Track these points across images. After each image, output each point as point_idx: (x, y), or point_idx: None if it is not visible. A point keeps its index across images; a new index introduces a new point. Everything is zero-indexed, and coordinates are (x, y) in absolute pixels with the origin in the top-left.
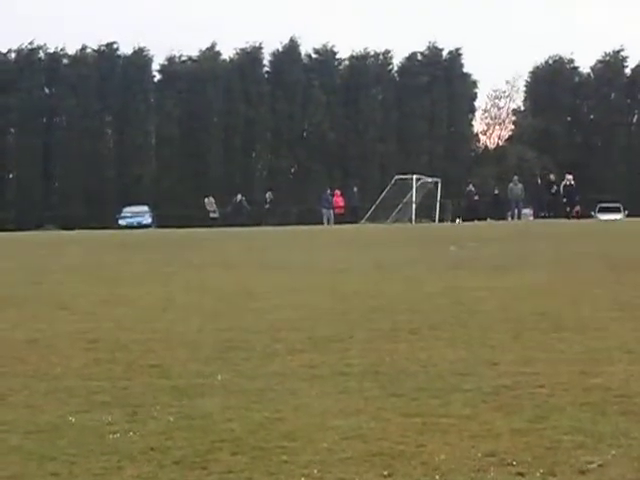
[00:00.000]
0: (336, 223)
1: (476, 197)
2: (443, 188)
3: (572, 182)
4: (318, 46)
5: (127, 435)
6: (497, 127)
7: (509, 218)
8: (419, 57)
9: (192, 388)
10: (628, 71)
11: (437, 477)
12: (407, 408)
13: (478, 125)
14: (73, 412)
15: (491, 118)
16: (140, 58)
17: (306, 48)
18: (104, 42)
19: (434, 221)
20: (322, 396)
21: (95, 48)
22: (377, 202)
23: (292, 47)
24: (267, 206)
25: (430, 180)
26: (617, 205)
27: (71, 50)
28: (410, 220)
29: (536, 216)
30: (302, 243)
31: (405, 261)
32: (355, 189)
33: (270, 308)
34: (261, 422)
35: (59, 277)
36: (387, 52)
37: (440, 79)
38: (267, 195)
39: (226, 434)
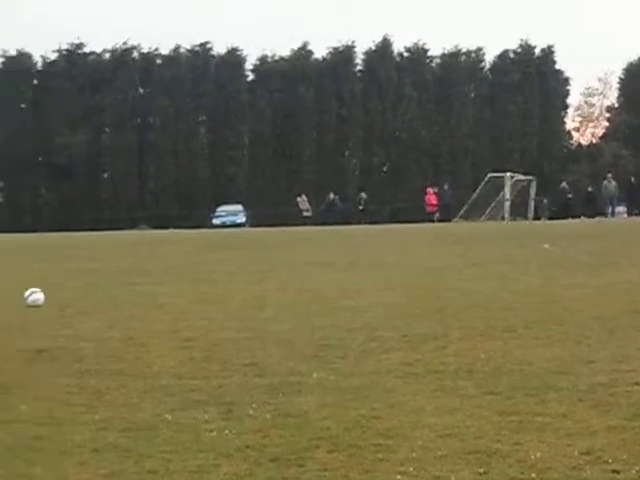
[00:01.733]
0: (429, 221)
1: (569, 195)
2: (537, 186)
3: None
4: (410, 44)
5: (223, 433)
6: (590, 124)
7: (608, 215)
8: (511, 55)
9: (288, 386)
10: None
11: (533, 475)
12: (502, 406)
13: (571, 122)
14: (169, 410)
15: (583, 116)
16: (233, 58)
17: (398, 46)
18: (197, 42)
19: (527, 219)
20: (417, 394)
21: (188, 48)
22: (470, 200)
23: (384, 45)
24: (360, 207)
25: (523, 178)
26: None
27: (165, 50)
28: (503, 218)
29: (630, 214)
30: (395, 241)
31: (499, 259)
32: (447, 187)
33: (365, 306)
34: (357, 420)
35: (154, 277)
36: (479, 50)
37: (532, 76)
38: (361, 196)
39: (322, 432)
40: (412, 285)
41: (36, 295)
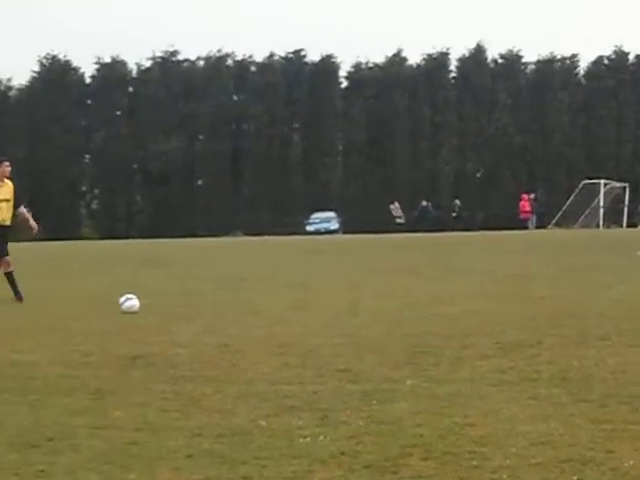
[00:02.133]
0: (521, 228)
1: None
2: (631, 193)
3: None
4: (504, 51)
5: (317, 439)
6: None
7: None
8: (605, 61)
9: (381, 393)
10: None
11: None
12: (596, 414)
13: None
14: (264, 416)
15: None
16: (327, 65)
17: (492, 53)
18: (291, 49)
19: (622, 226)
20: (511, 401)
21: (282, 55)
22: (564, 207)
23: (478, 52)
24: (454, 214)
25: (618, 185)
26: None
27: (259, 57)
28: (598, 225)
29: None
30: (488, 248)
31: (593, 266)
32: (540, 194)
33: (457, 313)
34: (451, 427)
35: (250, 283)
36: (573, 56)
37: (626, 83)
38: (454, 202)
39: (416, 439)
40: (505, 292)
41: (131, 302)
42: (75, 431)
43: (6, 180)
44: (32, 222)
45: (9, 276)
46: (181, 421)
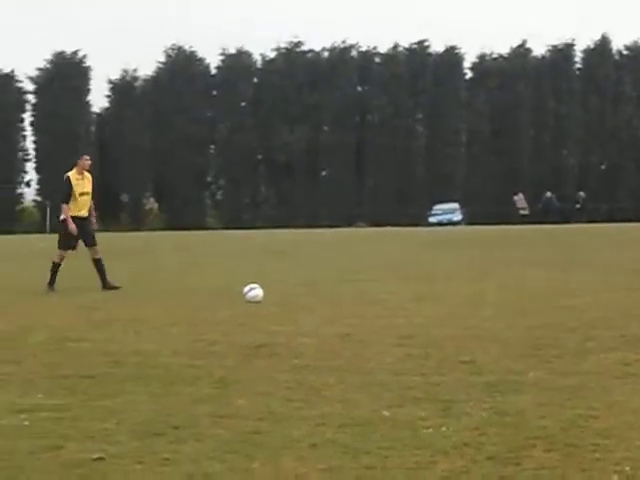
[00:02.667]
0: None
1: None
2: None
3: None
4: (629, 42)
5: (440, 430)
6: None
7: None
8: None
9: (504, 384)
10: None
11: None
12: None
13: None
14: (386, 406)
15: None
16: (451, 56)
17: (617, 44)
18: (415, 40)
19: None
20: (636, 394)
21: (407, 46)
22: None
23: (603, 43)
24: (578, 206)
25: None
26: None
27: (383, 48)
28: None
29: None
30: (613, 241)
31: None
32: None
33: (582, 305)
34: (574, 419)
35: (373, 274)
36: None
37: None
38: (579, 194)
39: (539, 431)
40: (630, 285)
41: (255, 291)
42: (199, 420)
43: (86, 173)
44: (93, 218)
45: (97, 263)
46: (304, 410)
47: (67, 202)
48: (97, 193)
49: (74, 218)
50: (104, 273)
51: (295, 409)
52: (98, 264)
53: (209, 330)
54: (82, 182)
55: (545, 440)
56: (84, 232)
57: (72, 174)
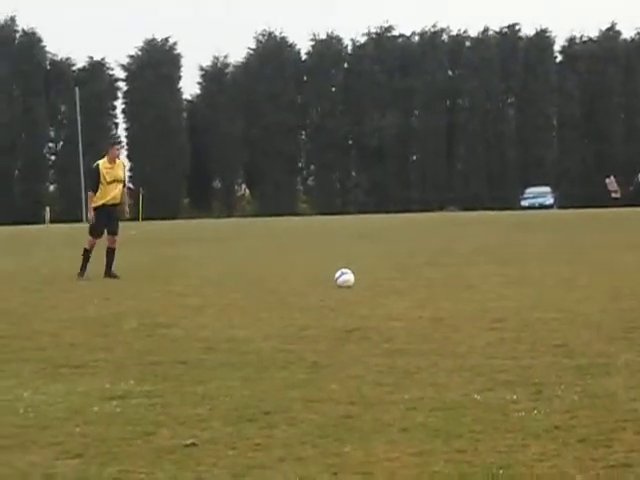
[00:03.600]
0: None
1: None
2: None
3: None
4: None
5: (531, 413)
6: None
7: None
8: None
9: (595, 367)
10: None
11: None
12: None
13: None
14: (477, 390)
15: None
16: (542, 39)
17: None
18: (506, 24)
19: None
20: None
21: (497, 30)
22: None
23: None
24: None
25: None
26: None
27: (473, 32)
28: None
29: None
30: None
31: None
32: None
33: None
34: None
35: (464, 258)
36: None
37: None
38: None
39: (629, 414)
40: None
41: (346, 276)
42: (291, 405)
43: (117, 161)
44: (126, 207)
45: (110, 252)
46: (395, 394)
47: (95, 190)
48: (190, 180)
49: (103, 206)
50: (111, 263)
51: (386, 393)
52: (110, 254)
53: (301, 315)
54: (112, 170)
55: (636, 422)
56: (110, 219)
57: (102, 162)
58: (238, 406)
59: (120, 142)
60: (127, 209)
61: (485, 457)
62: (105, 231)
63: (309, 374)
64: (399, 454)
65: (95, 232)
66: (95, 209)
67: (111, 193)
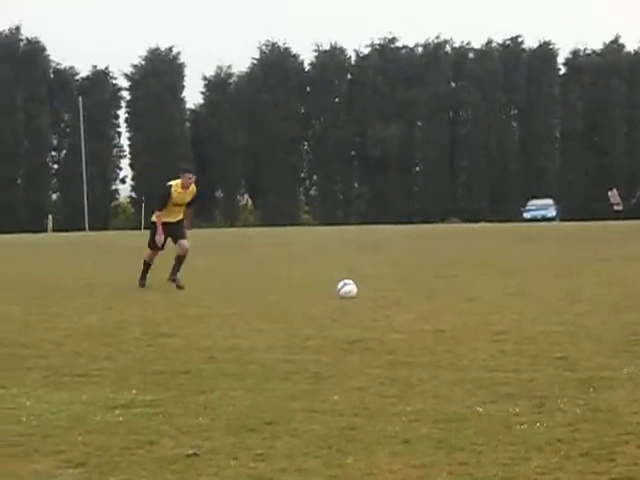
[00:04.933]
0: None
1: None
2: None
3: None
4: None
5: (534, 426)
6: None
7: None
8: None
9: (598, 381)
10: None
11: None
12: None
13: None
14: (480, 402)
15: None
16: (545, 52)
17: None
18: (509, 36)
19: None
20: None
21: (500, 42)
22: None
23: None
24: None
25: None
26: None
27: (476, 44)
28: None
29: None
30: None
31: None
32: None
33: None
34: None
35: (466, 270)
36: None
37: None
38: None
39: (632, 427)
40: None
41: (349, 287)
42: (293, 415)
43: (191, 188)
44: (187, 222)
45: (180, 259)
46: (398, 406)
47: (160, 210)
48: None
49: (164, 223)
50: (178, 267)
51: (389, 405)
52: (179, 259)
53: (303, 325)
54: (182, 195)
55: (639, 436)
56: (174, 231)
57: (176, 185)
58: (240, 416)
59: (192, 172)
60: (188, 225)
61: (487, 470)
62: (171, 241)
63: (311, 385)
64: (401, 466)
65: (154, 245)
66: (154, 223)
67: (173, 215)
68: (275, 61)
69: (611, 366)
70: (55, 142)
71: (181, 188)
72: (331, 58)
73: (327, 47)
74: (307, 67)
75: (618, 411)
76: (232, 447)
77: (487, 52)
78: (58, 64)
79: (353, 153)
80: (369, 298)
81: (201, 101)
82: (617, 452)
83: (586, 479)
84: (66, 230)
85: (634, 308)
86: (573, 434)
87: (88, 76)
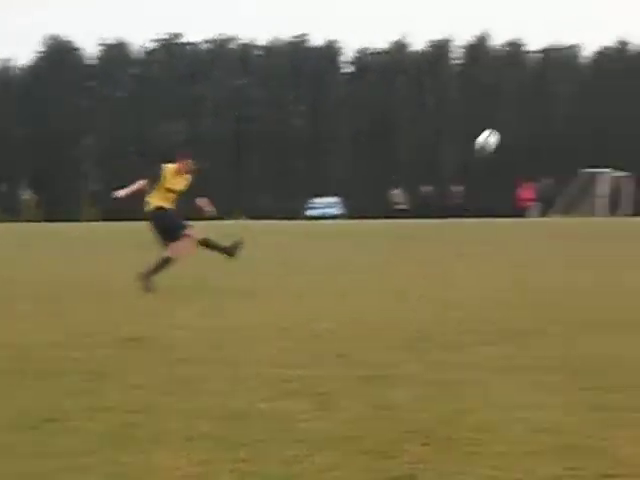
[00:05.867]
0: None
1: None
2: None
3: None
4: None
5: (317, 423)
6: None
7: None
8: None
9: (381, 378)
10: None
11: (622, 471)
12: (596, 402)
13: None
14: (263, 399)
15: None
16: (331, 50)
17: (495, 42)
18: (295, 33)
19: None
20: (511, 388)
21: (286, 39)
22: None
23: (482, 40)
24: (455, 201)
25: (621, 174)
26: None
27: (263, 41)
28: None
29: None
30: (489, 236)
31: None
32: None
33: (458, 300)
34: (450, 413)
35: (255, 268)
36: None
37: None
38: (453, 189)
39: (415, 424)
40: (513, 279)
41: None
42: (72, 413)
43: (186, 175)
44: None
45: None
46: (179, 404)
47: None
48: None
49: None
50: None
51: (170, 402)
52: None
53: (84, 322)
54: (175, 180)
55: (421, 434)
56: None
57: (170, 169)
58: (19, 413)
59: (191, 156)
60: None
61: (270, 467)
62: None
63: (91, 382)
64: (182, 463)
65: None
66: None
67: (165, 199)
68: (58, 54)
69: (394, 363)
70: None
71: (176, 172)
72: (116, 52)
73: (112, 41)
74: (91, 61)
75: (401, 409)
76: (10, 445)
77: (273, 49)
78: None
79: (133, 149)
80: (153, 294)
81: None
82: (399, 450)
83: (368, 477)
84: None
85: (415, 307)
86: (356, 432)
87: None
